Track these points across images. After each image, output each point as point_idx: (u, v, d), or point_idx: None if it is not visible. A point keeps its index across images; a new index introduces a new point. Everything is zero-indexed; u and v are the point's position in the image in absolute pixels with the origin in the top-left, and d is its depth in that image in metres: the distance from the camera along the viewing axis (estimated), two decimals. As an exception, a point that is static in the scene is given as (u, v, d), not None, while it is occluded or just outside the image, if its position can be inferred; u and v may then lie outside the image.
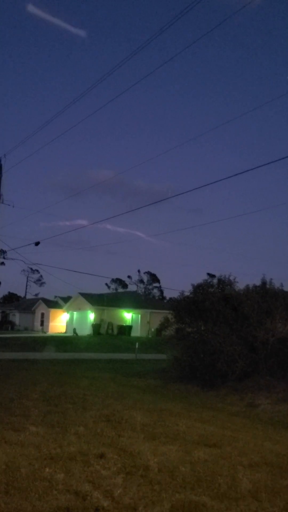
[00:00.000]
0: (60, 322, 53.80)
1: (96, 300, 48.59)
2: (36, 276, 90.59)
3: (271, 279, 16.64)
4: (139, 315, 48.46)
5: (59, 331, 52.24)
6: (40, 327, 54.99)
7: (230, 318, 15.37)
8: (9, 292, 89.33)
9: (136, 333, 46.14)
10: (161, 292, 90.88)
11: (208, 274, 49.32)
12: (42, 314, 56.38)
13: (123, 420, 8.51)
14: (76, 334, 46.26)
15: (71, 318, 51.62)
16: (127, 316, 48.40)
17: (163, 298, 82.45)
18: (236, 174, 16.63)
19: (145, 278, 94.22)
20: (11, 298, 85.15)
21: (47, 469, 5.45)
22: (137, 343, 26.83)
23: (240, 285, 17.30)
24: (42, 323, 55.55)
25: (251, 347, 14.76)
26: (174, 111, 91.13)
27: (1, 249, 35.35)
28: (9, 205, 31.07)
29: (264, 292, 16.00)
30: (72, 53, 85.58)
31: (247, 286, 16.89)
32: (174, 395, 12.80)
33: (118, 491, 4.88)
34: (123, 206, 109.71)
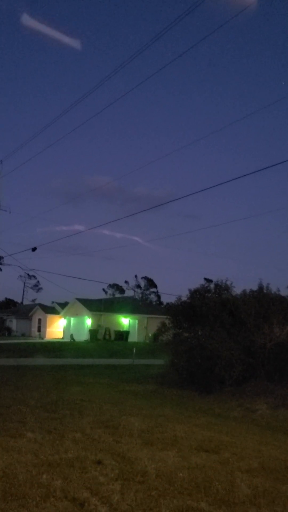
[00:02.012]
0: (57, 327, 53.70)
1: (93, 305, 48.53)
2: (33, 281, 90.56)
3: (268, 283, 16.68)
4: (136, 321, 48.40)
5: (56, 337, 52.10)
6: (37, 333, 54.82)
7: (227, 323, 15.38)
8: (6, 298, 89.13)
9: (133, 338, 46.09)
10: (158, 297, 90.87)
11: (205, 279, 49.26)
12: (39, 320, 56.24)
13: (120, 426, 8.49)
14: (73, 339, 46.15)
15: (68, 324, 51.51)
16: (125, 321, 48.34)
17: (161, 303, 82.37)
18: (230, 180, 16.71)
19: (142, 283, 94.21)
20: (8, 304, 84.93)
21: (44, 476, 5.43)
22: (134, 349, 26.80)
23: (237, 290, 17.34)
24: (39, 329, 55.39)
25: (249, 352, 14.76)
26: (172, 116, 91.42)
27: (-2, 255, 35.31)
28: (5, 210, 31.19)
29: (261, 297, 16.01)
30: (69, 59, 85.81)
31: (244, 291, 16.90)
32: (172, 401, 12.77)
33: (116, 498, 4.86)
34: (122, 212, 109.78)
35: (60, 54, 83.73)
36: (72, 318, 51.18)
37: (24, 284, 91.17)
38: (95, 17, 76.22)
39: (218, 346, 14.37)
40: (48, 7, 68.00)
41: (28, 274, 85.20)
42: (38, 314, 56.97)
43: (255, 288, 16.74)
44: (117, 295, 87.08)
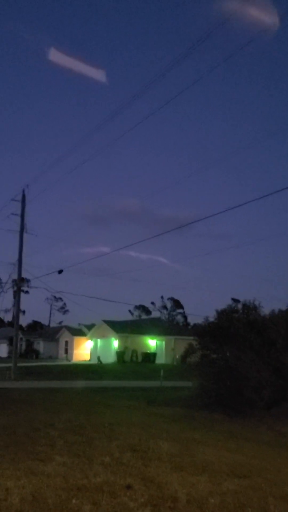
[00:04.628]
0: (84, 349, 53.73)
1: (120, 327, 48.47)
2: (59, 304, 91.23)
3: (297, 302, 16.37)
4: (164, 342, 48.05)
5: (83, 359, 52.11)
6: (64, 355, 54.97)
7: (256, 343, 15.13)
8: (33, 321, 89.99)
9: (160, 360, 45.69)
10: (185, 318, 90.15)
11: (233, 299, 48.70)
12: (66, 342, 56.43)
13: (149, 449, 8.37)
14: (100, 362, 46.06)
15: (95, 346, 51.51)
16: (151, 343, 48.04)
17: (187, 324, 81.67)
18: (255, 199, 16.63)
19: (169, 304, 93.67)
20: (35, 327, 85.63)
21: (74, 500, 5.38)
22: (161, 371, 26.51)
23: (266, 310, 17.08)
24: (66, 351, 55.55)
25: (279, 374, 14.45)
26: (198, 136, 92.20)
27: (25, 278, 35.82)
28: (32, 234, 31.71)
29: (290, 317, 15.74)
30: (93, 85, 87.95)
31: (273, 311, 16.68)
32: (201, 424, 12.55)
33: (146, 524, 4.77)
34: (149, 233, 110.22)
35: (84, 79, 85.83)
36: (99, 340, 51.17)
37: (51, 306, 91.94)
38: (117, 44, 78.10)
39: (246, 368, 14.12)
40: (69, 41, 70.07)
41: (54, 297, 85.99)
42: (65, 336, 57.21)
43: (284, 307, 16.49)
44: (144, 316, 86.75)
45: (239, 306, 17.80)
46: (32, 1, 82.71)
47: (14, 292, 33.54)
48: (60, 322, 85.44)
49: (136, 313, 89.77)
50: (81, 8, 78.67)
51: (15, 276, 31.77)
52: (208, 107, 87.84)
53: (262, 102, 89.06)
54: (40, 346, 59.98)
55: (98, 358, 47.28)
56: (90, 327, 54.70)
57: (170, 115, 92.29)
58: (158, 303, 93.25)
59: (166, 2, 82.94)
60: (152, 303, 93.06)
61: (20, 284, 31.91)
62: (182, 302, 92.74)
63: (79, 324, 59.77)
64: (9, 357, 48.86)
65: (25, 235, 30.93)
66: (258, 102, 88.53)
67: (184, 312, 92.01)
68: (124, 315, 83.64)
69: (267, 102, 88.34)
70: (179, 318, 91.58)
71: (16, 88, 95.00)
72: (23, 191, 31.01)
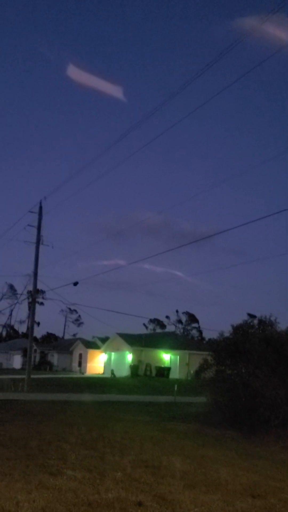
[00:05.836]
0: (98, 362, 53.61)
1: (134, 340, 48.28)
2: (74, 316, 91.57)
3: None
4: (178, 357, 47.70)
5: (97, 372, 51.95)
6: (78, 368, 54.89)
7: (272, 360, 14.89)
8: (47, 332, 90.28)
9: (174, 375, 45.33)
10: (200, 332, 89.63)
11: (249, 314, 48.28)
12: (80, 355, 56.38)
13: (162, 466, 8.25)
14: (114, 375, 45.86)
15: (109, 359, 51.34)
16: (166, 357, 47.72)
17: (202, 339, 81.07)
18: (272, 214, 16.51)
19: (184, 318, 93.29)
20: (50, 338, 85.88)
21: (84, 516, 5.30)
22: (175, 386, 26.25)
23: (282, 326, 16.85)
24: (80, 364, 55.48)
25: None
26: (216, 150, 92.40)
27: (40, 290, 36.00)
28: (48, 245, 31.86)
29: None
30: (111, 98, 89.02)
31: (290, 327, 16.42)
32: (215, 441, 12.35)
33: None
34: (166, 247, 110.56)
35: (102, 95, 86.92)
36: (112, 353, 51.02)
37: (66, 318, 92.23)
38: (135, 61, 79.05)
39: (262, 385, 13.88)
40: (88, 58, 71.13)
41: (69, 309, 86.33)
42: (79, 348, 57.20)
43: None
44: (158, 330, 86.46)
45: (255, 321, 17.61)
46: (52, 19, 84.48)
47: (29, 303, 33.78)
48: (75, 335, 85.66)
49: (151, 326, 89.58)
50: (99, 25, 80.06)
51: (30, 288, 31.96)
52: (227, 123, 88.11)
53: (280, 118, 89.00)
54: (54, 358, 60.03)
55: (112, 372, 47.09)
56: (104, 340, 54.62)
57: (188, 130, 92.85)
58: (173, 317, 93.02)
59: (184, 21, 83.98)
60: (167, 317, 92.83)
61: (35, 295, 32.04)
62: (197, 316, 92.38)
63: (93, 337, 59.77)
64: (23, 368, 49.00)
65: (41, 247, 31.10)
66: (276, 117, 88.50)
67: (199, 327, 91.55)
68: (138, 329, 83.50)
69: (285, 117, 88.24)
70: (194, 332, 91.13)
71: (35, 101, 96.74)
72: (40, 202, 31.24)
